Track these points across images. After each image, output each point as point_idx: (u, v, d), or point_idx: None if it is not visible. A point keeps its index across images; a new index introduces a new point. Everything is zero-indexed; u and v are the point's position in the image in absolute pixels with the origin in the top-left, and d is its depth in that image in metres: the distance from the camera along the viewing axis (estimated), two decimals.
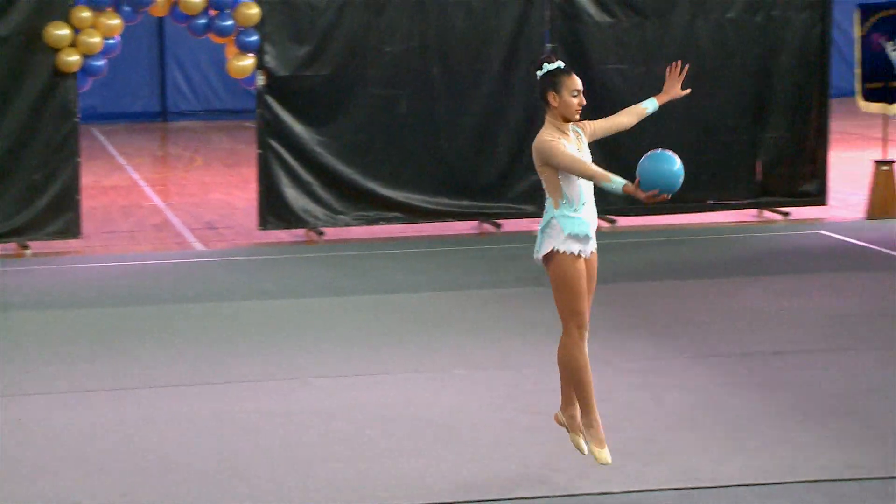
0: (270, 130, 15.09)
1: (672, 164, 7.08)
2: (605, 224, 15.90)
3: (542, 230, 7.44)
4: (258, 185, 15.28)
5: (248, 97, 20.79)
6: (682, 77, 7.84)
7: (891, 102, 16.07)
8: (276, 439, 8.33)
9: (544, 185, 7.44)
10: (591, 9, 15.70)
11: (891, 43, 15.90)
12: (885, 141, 16.50)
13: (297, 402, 9.12)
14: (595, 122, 7.65)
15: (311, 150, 15.14)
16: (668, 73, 7.89)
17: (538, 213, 15.56)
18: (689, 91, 7.89)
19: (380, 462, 7.87)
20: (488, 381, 9.55)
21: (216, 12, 14.84)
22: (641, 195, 7.05)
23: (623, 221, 15.94)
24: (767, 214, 16.30)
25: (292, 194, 15.10)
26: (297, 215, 15.16)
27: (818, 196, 16.21)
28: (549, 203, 7.44)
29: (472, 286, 12.71)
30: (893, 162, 16.00)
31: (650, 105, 7.84)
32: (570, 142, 7.37)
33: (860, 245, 14.32)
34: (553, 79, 7.38)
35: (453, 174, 15.54)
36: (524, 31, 15.55)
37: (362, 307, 11.88)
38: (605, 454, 7.44)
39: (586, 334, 7.45)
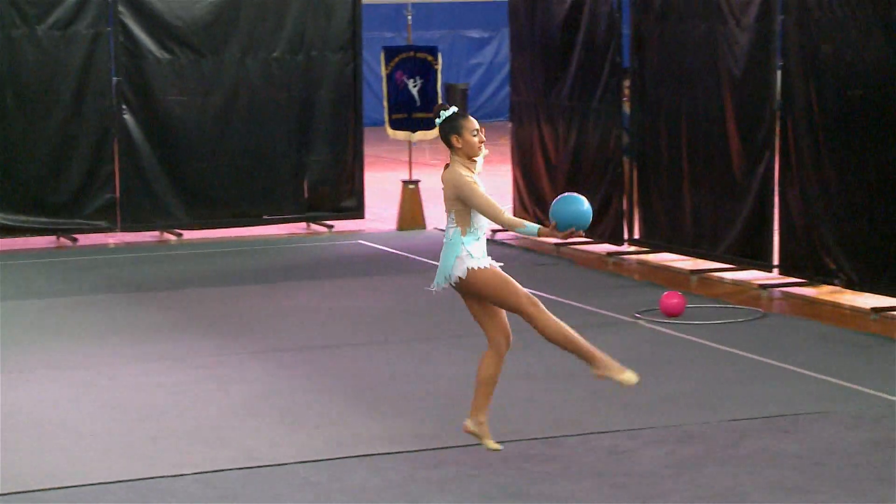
0: None
1: (581, 204, 7.06)
2: (171, 237, 15.72)
3: (455, 256, 7.26)
4: None
5: None
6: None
7: (413, 131, 16.49)
8: None
9: (452, 215, 7.27)
10: (152, 46, 15.54)
11: (412, 80, 16.33)
12: (410, 164, 16.92)
13: None
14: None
15: None
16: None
17: (111, 228, 15.43)
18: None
19: None
20: (69, 378, 9.26)
21: None
22: (559, 235, 7.03)
23: (188, 234, 15.83)
24: (315, 227, 16.46)
25: None
26: None
27: (357, 211, 16.49)
28: (455, 231, 7.27)
29: (52, 294, 12.32)
30: (418, 181, 16.42)
31: (532, 230, 7.30)
32: (476, 177, 7.27)
33: (393, 252, 14.62)
34: (453, 123, 7.27)
35: (30, 194, 15.10)
36: (92, 66, 15.25)
37: None
38: (630, 375, 7.31)
39: (539, 304, 7.30)
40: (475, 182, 7.26)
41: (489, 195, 7.27)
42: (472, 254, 7.28)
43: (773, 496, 6.76)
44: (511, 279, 7.32)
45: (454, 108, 7.33)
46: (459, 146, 7.28)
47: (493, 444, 7.40)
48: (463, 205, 7.26)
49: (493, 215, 7.21)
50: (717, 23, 12.68)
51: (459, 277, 7.28)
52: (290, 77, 16.10)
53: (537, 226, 7.16)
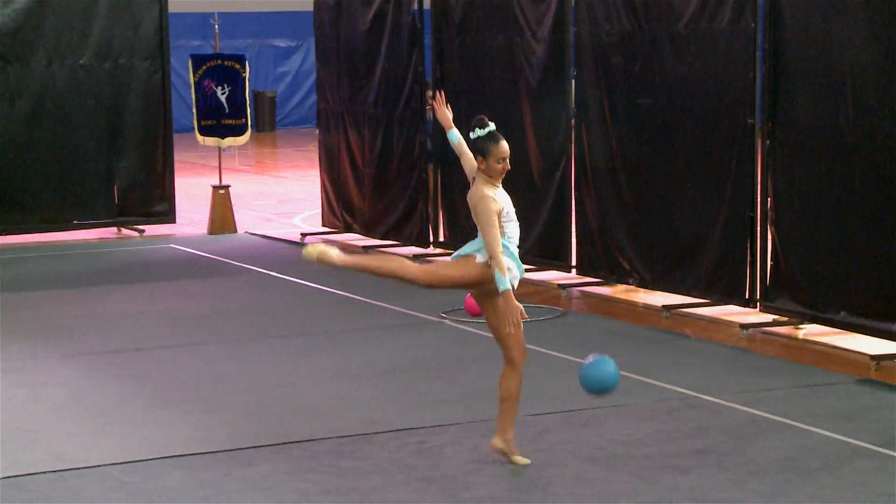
0: None
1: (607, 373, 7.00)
2: None
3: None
4: None
5: None
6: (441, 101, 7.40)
7: (223, 137, 16.31)
8: None
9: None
10: None
11: (220, 87, 16.17)
12: (220, 169, 16.72)
13: None
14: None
15: None
16: (436, 106, 7.41)
17: None
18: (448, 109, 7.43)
19: None
20: None
21: None
22: (512, 306, 6.79)
23: None
24: (126, 231, 16.16)
25: None
26: None
27: (168, 215, 16.23)
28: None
29: None
30: (228, 186, 16.25)
31: (452, 136, 7.37)
32: (498, 194, 6.96)
33: (205, 256, 14.43)
34: (483, 144, 6.96)
35: None
36: None
37: None
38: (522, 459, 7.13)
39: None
40: (494, 199, 6.94)
41: (506, 219, 7.00)
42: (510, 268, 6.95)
43: (575, 487, 6.83)
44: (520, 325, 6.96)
45: (491, 127, 7.01)
46: (482, 168, 7.03)
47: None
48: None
49: (488, 241, 6.91)
50: (515, 34, 12.81)
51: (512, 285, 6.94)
52: (98, 84, 15.80)
53: (508, 286, 6.87)
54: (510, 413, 7.11)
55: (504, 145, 7.01)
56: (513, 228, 7.07)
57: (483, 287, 7.10)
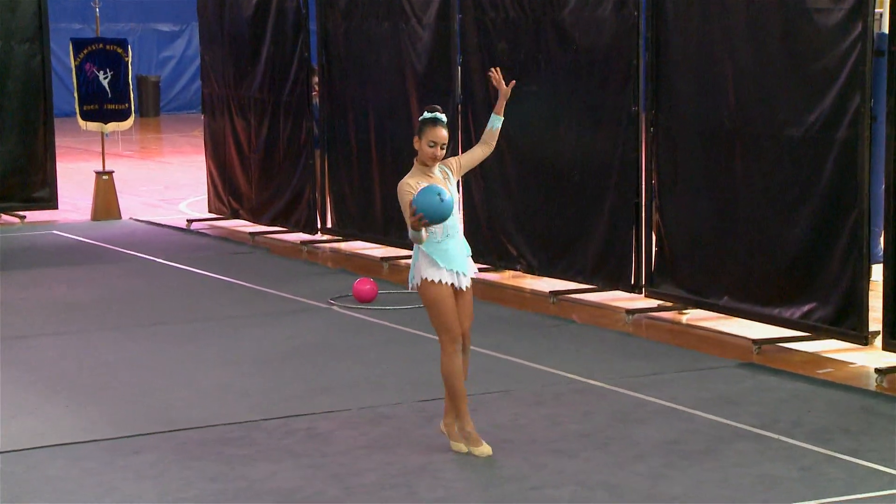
0: None
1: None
2: None
3: (414, 263, 7.05)
4: None
5: None
6: (500, 78, 7.33)
7: (106, 122, 16.12)
8: None
9: None
10: None
11: (102, 72, 15.96)
12: (103, 154, 16.51)
13: None
14: (461, 156, 7.24)
15: None
16: (493, 83, 7.36)
17: None
18: (514, 82, 7.37)
19: None
20: None
21: None
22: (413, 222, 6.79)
23: None
24: (6, 218, 15.90)
25: None
26: None
27: (50, 201, 16.03)
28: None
29: None
30: (112, 172, 16.05)
31: (496, 121, 7.31)
32: (434, 182, 6.95)
33: (88, 242, 14.25)
34: (421, 126, 7.03)
35: None
36: None
37: None
38: (486, 449, 7.05)
39: (459, 347, 7.05)
40: (412, 188, 6.93)
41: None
42: (432, 262, 7.00)
43: (462, 471, 6.87)
44: (447, 304, 7.01)
45: (439, 115, 7.04)
46: (416, 148, 7.08)
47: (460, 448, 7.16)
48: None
49: (407, 219, 6.95)
50: (401, 21, 12.82)
51: (415, 285, 7.09)
52: None
53: (418, 234, 6.91)
54: (447, 397, 7.15)
55: (441, 131, 7.03)
56: (446, 224, 7.01)
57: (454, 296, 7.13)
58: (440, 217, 6.83)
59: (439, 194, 6.79)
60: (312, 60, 14.18)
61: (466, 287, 7.14)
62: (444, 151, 7.09)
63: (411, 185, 6.98)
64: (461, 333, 7.12)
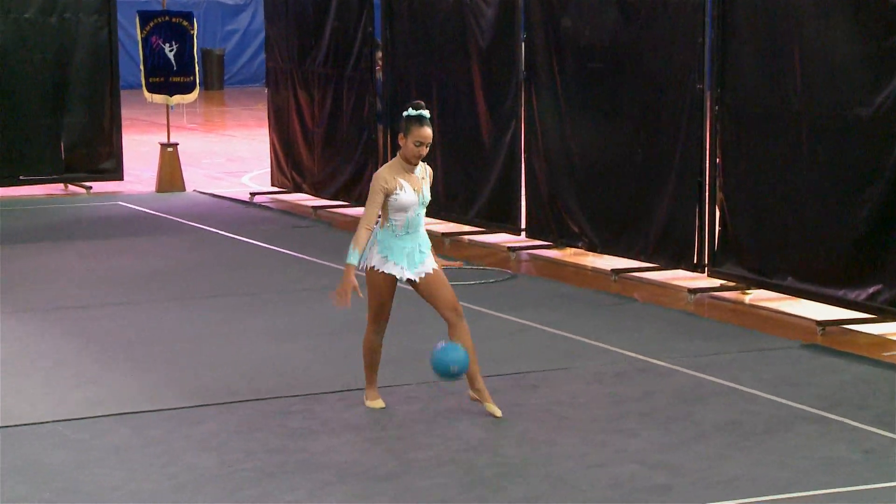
0: None
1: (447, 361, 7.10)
2: None
3: (369, 246, 7.24)
4: None
5: None
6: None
7: (171, 94, 16.20)
8: None
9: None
10: None
11: (167, 45, 16.04)
12: (168, 127, 16.61)
13: None
14: None
15: None
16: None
17: None
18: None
19: None
20: None
21: None
22: (344, 280, 7.06)
23: None
24: (73, 188, 16.04)
25: None
26: None
27: (115, 172, 16.14)
28: (380, 221, 7.25)
29: None
30: (176, 144, 16.14)
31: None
32: (410, 182, 7.20)
33: (152, 213, 14.35)
34: (407, 123, 7.17)
35: None
36: None
37: None
38: (380, 401, 7.46)
39: (379, 329, 7.39)
40: (386, 181, 7.17)
41: (396, 205, 7.20)
42: (381, 249, 7.23)
43: (522, 448, 6.86)
44: (378, 288, 7.27)
45: (423, 112, 7.20)
46: (401, 146, 7.25)
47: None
48: (384, 199, 7.21)
49: (362, 217, 7.20)
50: None
51: (364, 266, 7.29)
52: (44, 39, 15.64)
53: (354, 262, 7.13)
54: (474, 370, 7.29)
55: (427, 131, 7.18)
56: (407, 217, 7.23)
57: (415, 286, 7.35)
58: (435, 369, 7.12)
59: (454, 368, 7.07)
60: (376, 35, 14.17)
61: (425, 275, 7.28)
62: (428, 150, 7.25)
63: (386, 181, 7.18)
64: (386, 319, 7.39)
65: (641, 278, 11.04)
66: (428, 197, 7.32)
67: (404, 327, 9.34)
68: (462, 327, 7.33)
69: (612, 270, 11.12)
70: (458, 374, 7.11)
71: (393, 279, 7.28)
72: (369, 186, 7.25)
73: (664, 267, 10.98)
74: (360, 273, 7.25)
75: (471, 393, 7.40)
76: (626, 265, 11.21)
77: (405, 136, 7.21)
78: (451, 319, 7.34)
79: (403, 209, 7.21)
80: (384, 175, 7.21)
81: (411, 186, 7.22)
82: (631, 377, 8.12)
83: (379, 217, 7.25)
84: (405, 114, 7.22)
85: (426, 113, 7.22)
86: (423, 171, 7.35)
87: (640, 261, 11.13)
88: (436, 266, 7.34)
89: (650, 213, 10.95)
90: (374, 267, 7.26)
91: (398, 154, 7.30)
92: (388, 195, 7.18)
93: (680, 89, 10.59)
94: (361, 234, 7.13)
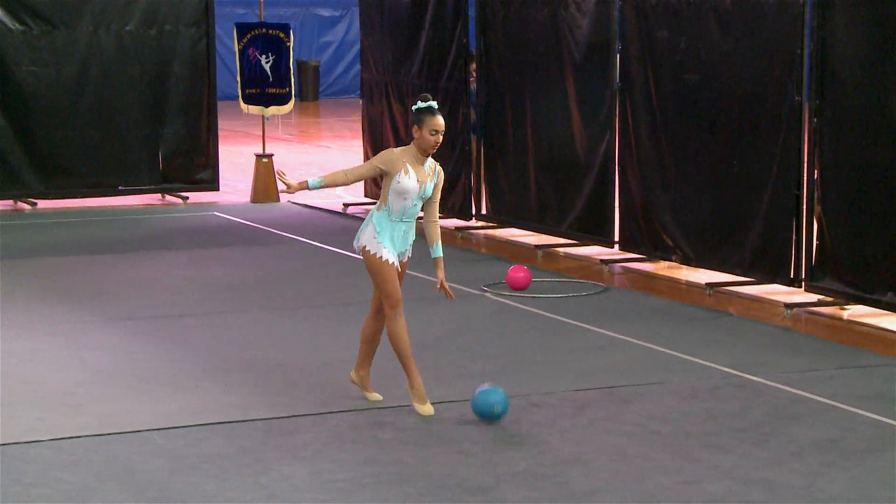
0: None
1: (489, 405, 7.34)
2: (26, 207, 15.41)
3: (364, 225, 7.54)
4: None
5: None
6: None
7: (267, 106, 16.32)
8: None
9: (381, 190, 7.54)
10: (4, 17, 15.19)
11: (264, 56, 16.15)
12: (263, 138, 16.73)
13: None
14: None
15: None
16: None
17: None
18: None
19: None
20: None
21: None
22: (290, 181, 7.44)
23: (43, 204, 15.51)
24: (169, 198, 16.20)
25: None
26: None
27: (211, 183, 16.28)
28: (378, 202, 7.53)
29: None
30: (271, 155, 16.25)
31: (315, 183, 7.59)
32: (416, 171, 7.44)
33: (247, 224, 14.45)
34: (420, 115, 7.45)
35: None
36: None
37: None
38: (429, 408, 7.55)
39: (400, 311, 7.54)
40: (384, 164, 7.46)
41: (398, 189, 7.47)
42: (376, 233, 7.50)
43: (614, 462, 6.78)
44: (388, 274, 7.51)
45: (432, 103, 7.48)
46: (416, 137, 7.48)
47: (374, 396, 7.80)
48: (387, 178, 7.48)
49: (349, 169, 7.65)
50: (560, 7, 12.72)
51: (359, 248, 7.58)
52: (144, 50, 15.83)
53: (312, 183, 7.47)
54: (365, 353, 7.79)
55: (439, 119, 7.45)
56: (404, 205, 7.48)
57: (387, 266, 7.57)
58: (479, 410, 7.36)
59: (497, 409, 7.31)
60: (470, 47, 14.17)
61: (400, 263, 7.63)
62: (441, 138, 7.50)
63: (392, 161, 7.42)
64: (399, 299, 7.55)
65: (737, 292, 10.90)
66: (429, 193, 7.53)
67: (494, 342, 9.30)
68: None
69: (707, 284, 10.99)
70: (501, 414, 7.31)
71: (388, 258, 7.49)
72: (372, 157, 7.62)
73: (760, 281, 10.83)
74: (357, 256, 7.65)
75: (352, 375, 7.81)
76: (721, 279, 11.08)
77: (419, 127, 7.44)
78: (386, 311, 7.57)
79: (403, 195, 7.43)
80: (396, 154, 7.50)
81: (416, 175, 7.45)
82: (726, 393, 8.00)
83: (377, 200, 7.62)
84: (415, 107, 7.48)
85: (434, 104, 7.49)
86: (432, 169, 7.56)
87: (736, 275, 10.99)
88: (407, 259, 7.66)
89: (746, 227, 10.81)
90: (366, 248, 7.51)
91: (413, 143, 7.51)
92: (391, 175, 7.41)
93: (777, 101, 10.44)
94: (338, 174, 7.53)
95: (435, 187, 7.56)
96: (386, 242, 7.49)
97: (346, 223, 14.57)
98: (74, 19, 15.51)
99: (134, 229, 14.21)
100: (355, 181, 7.73)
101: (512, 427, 7.33)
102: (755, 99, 10.67)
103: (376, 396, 7.77)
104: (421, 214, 7.62)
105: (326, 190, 17.28)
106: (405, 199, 7.44)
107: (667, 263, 11.93)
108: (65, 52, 15.47)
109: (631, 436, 7.18)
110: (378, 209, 7.51)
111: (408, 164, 7.45)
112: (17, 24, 15.24)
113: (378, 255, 7.48)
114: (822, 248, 10.23)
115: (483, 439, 7.13)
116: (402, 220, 7.51)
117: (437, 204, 7.61)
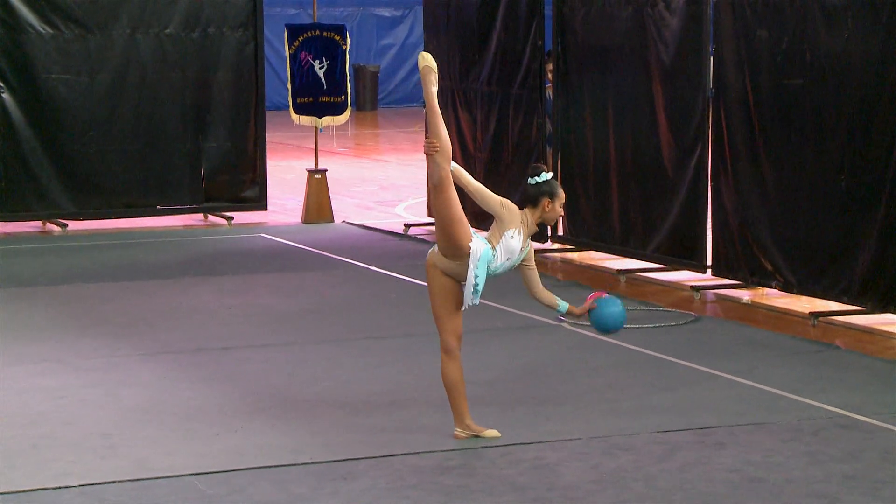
0: None
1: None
2: (55, 228, 15.59)
3: (477, 263, 7.79)
4: None
5: None
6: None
7: (320, 116, 16.42)
8: None
9: (491, 230, 7.88)
10: (34, 20, 15.36)
11: (317, 61, 16.25)
12: (316, 151, 16.86)
13: None
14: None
15: None
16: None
17: None
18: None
19: None
20: None
21: None
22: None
23: (74, 225, 15.70)
24: (213, 219, 16.34)
25: None
26: None
27: (259, 202, 16.38)
28: (485, 240, 7.83)
29: None
30: (325, 171, 16.36)
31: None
32: (522, 237, 7.84)
33: (297, 247, 14.55)
34: (552, 189, 7.83)
35: None
36: None
37: None
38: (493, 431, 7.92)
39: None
40: (511, 220, 7.84)
41: (504, 251, 7.87)
42: (479, 271, 7.83)
43: None
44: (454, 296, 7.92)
45: (550, 173, 7.90)
46: (547, 210, 7.87)
47: (491, 433, 7.92)
48: (498, 226, 7.87)
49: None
50: (646, 5, 12.75)
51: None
52: (185, 55, 15.96)
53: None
54: (458, 401, 7.87)
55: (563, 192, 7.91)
56: (505, 263, 7.88)
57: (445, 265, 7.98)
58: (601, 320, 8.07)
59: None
60: (546, 49, 14.22)
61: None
62: None
63: (517, 214, 7.84)
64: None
65: (844, 322, 10.86)
66: (513, 265, 7.86)
67: (571, 377, 9.32)
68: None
69: (811, 314, 10.96)
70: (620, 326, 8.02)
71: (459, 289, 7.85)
72: (498, 211, 7.87)
73: (871, 310, 10.78)
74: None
75: (458, 433, 7.86)
76: (827, 308, 11.04)
77: (552, 200, 7.82)
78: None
79: (509, 253, 7.81)
80: (518, 211, 7.86)
81: (521, 241, 7.85)
82: (832, 434, 7.98)
83: (488, 239, 7.85)
84: (545, 178, 7.84)
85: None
86: (527, 244, 7.91)
87: (843, 303, 10.95)
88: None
89: (855, 249, 10.76)
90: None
91: (532, 214, 7.86)
92: (506, 227, 7.81)
93: (892, 108, 10.40)
94: (471, 180, 8.11)
95: (526, 257, 7.91)
96: (475, 297, 7.87)
97: (407, 246, 14.65)
98: (109, 22, 15.67)
99: (174, 253, 14.36)
100: (474, 192, 8.04)
101: (592, 472, 7.34)
102: (867, 105, 10.64)
103: (493, 433, 7.90)
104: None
105: (386, 208, 17.47)
106: (508, 258, 7.83)
107: (765, 290, 11.91)
108: (98, 58, 15.63)
109: (726, 483, 7.18)
110: (489, 247, 7.82)
111: (521, 227, 7.85)
112: (46, 28, 15.45)
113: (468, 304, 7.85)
114: None
115: (559, 486, 7.15)
116: (494, 275, 7.88)
117: (536, 272, 7.96)
